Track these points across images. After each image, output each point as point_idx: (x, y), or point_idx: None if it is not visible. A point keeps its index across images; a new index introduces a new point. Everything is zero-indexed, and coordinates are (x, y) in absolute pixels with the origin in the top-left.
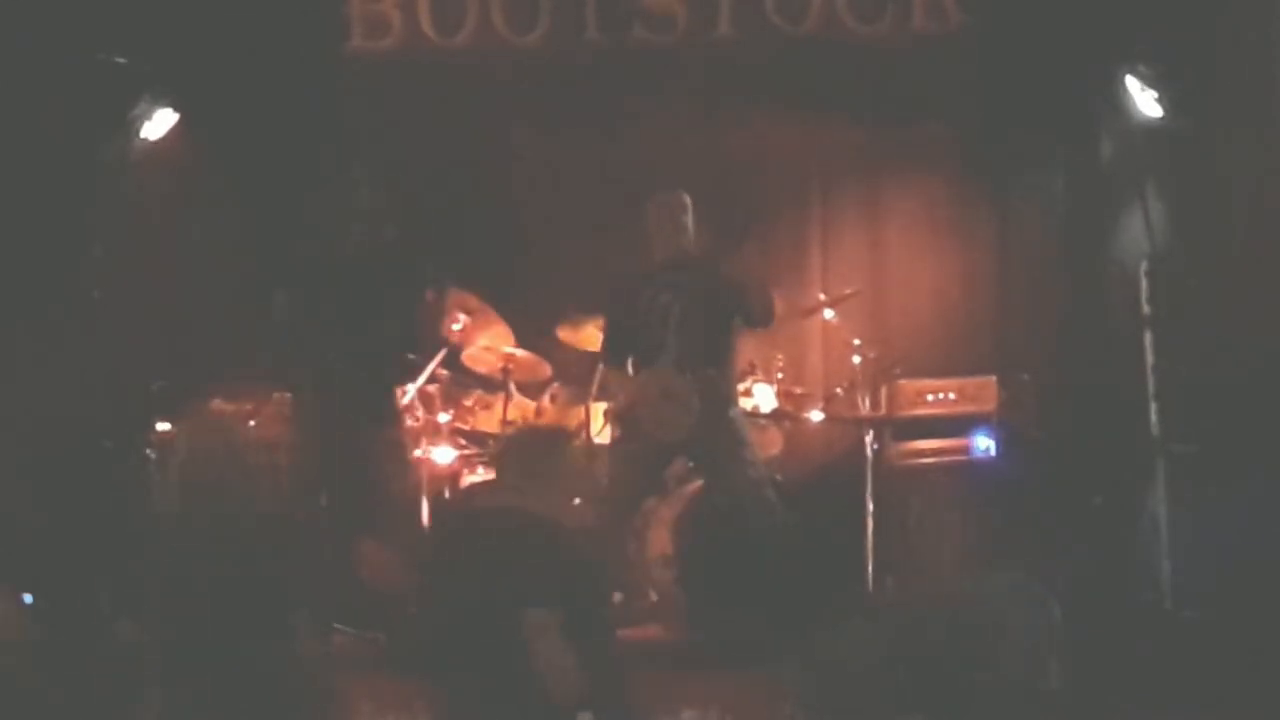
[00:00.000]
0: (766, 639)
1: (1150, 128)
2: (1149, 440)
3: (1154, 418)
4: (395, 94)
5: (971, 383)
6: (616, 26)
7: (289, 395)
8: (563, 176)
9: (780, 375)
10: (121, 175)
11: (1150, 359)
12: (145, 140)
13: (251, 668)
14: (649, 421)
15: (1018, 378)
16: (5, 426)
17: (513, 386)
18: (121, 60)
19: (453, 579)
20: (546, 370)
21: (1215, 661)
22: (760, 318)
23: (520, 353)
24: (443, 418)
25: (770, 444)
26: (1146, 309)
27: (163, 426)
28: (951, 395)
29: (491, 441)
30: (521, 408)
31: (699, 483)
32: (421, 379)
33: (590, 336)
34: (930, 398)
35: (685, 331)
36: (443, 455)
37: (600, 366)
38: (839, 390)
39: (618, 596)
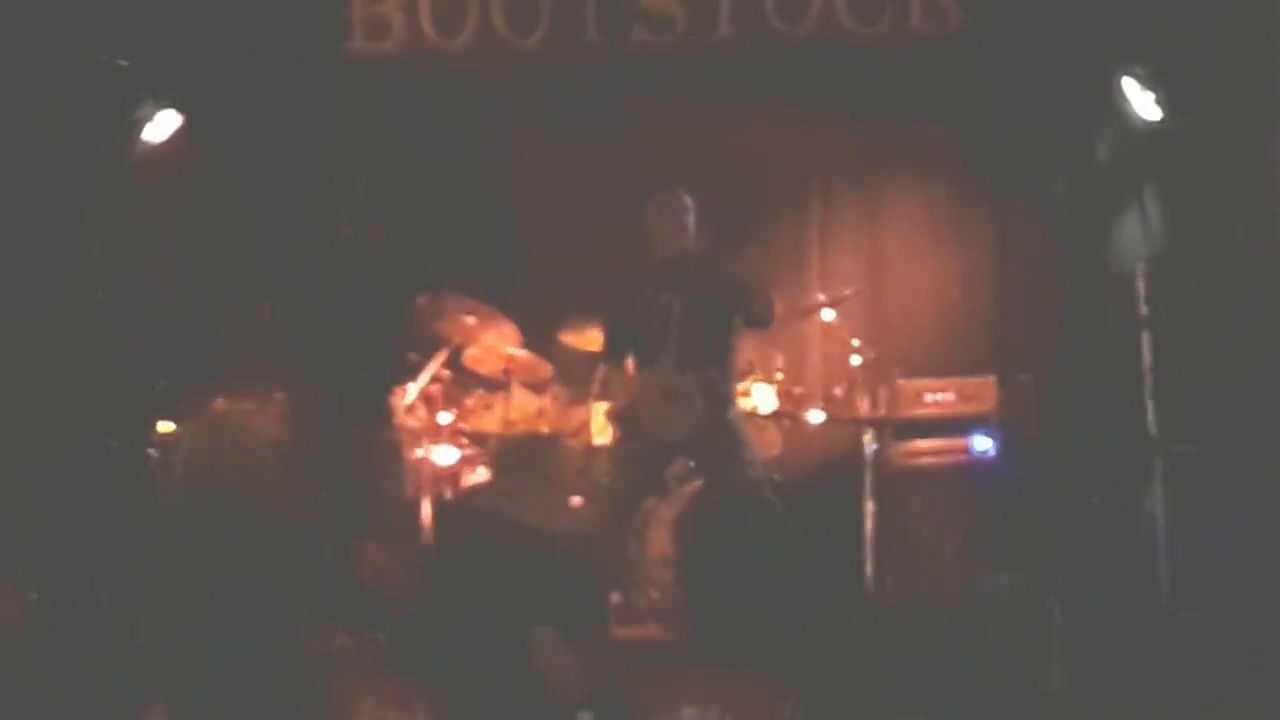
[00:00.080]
0: (766, 639)
1: (1150, 128)
2: (1148, 440)
3: (1153, 418)
4: (396, 95)
5: (971, 383)
6: (617, 28)
7: (289, 395)
8: (563, 177)
9: (780, 375)
10: (122, 175)
11: (1149, 359)
12: (146, 141)
13: (251, 668)
14: (649, 421)
15: (1017, 378)
16: (6, 426)
17: (515, 386)
18: (123, 61)
19: (451, 581)
20: (547, 370)
21: (1215, 661)
22: (761, 318)
23: (521, 353)
24: (444, 418)
25: (770, 444)
26: (1145, 309)
27: (165, 426)
28: (951, 395)
29: (493, 441)
30: (523, 408)
31: (699, 483)
32: (423, 379)
33: (590, 337)
34: (929, 398)
35: (685, 331)
36: (444, 455)
37: (600, 366)
38: (838, 390)
39: (617, 597)
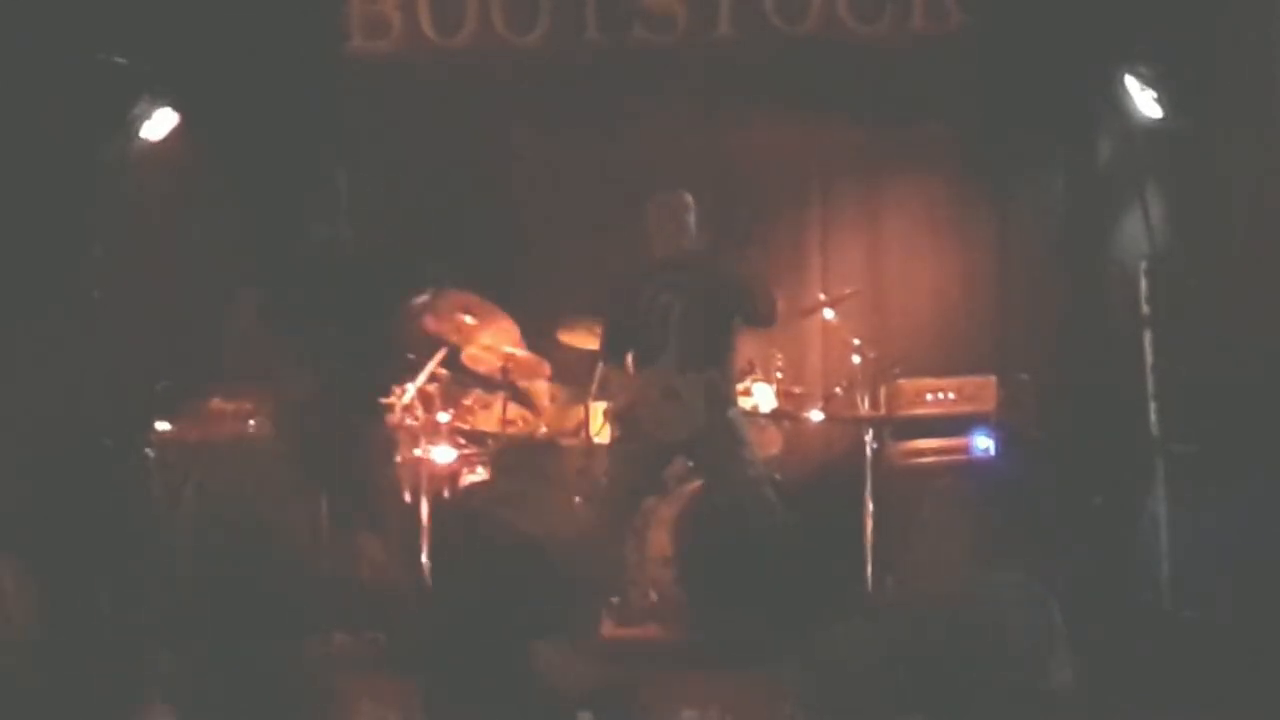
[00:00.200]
0: (766, 639)
1: (1150, 128)
2: (1149, 440)
3: (1154, 418)
4: (395, 94)
5: (971, 382)
6: (616, 26)
7: (287, 395)
8: (563, 176)
9: (780, 375)
10: (121, 175)
11: (1150, 359)
12: (145, 140)
13: (251, 667)
14: (649, 421)
15: (1017, 377)
16: (6, 426)
17: (518, 385)
18: (121, 60)
19: (450, 581)
20: (546, 370)
21: (1215, 661)
22: (763, 317)
23: (520, 352)
24: (442, 417)
25: (770, 444)
26: (1146, 309)
27: (163, 426)
28: (951, 395)
29: (491, 441)
30: (521, 408)
31: (699, 482)
32: (421, 378)
33: (590, 337)
34: (930, 397)
35: (686, 331)
36: (442, 454)
37: (600, 366)
38: (838, 390)
39: (617, 597)
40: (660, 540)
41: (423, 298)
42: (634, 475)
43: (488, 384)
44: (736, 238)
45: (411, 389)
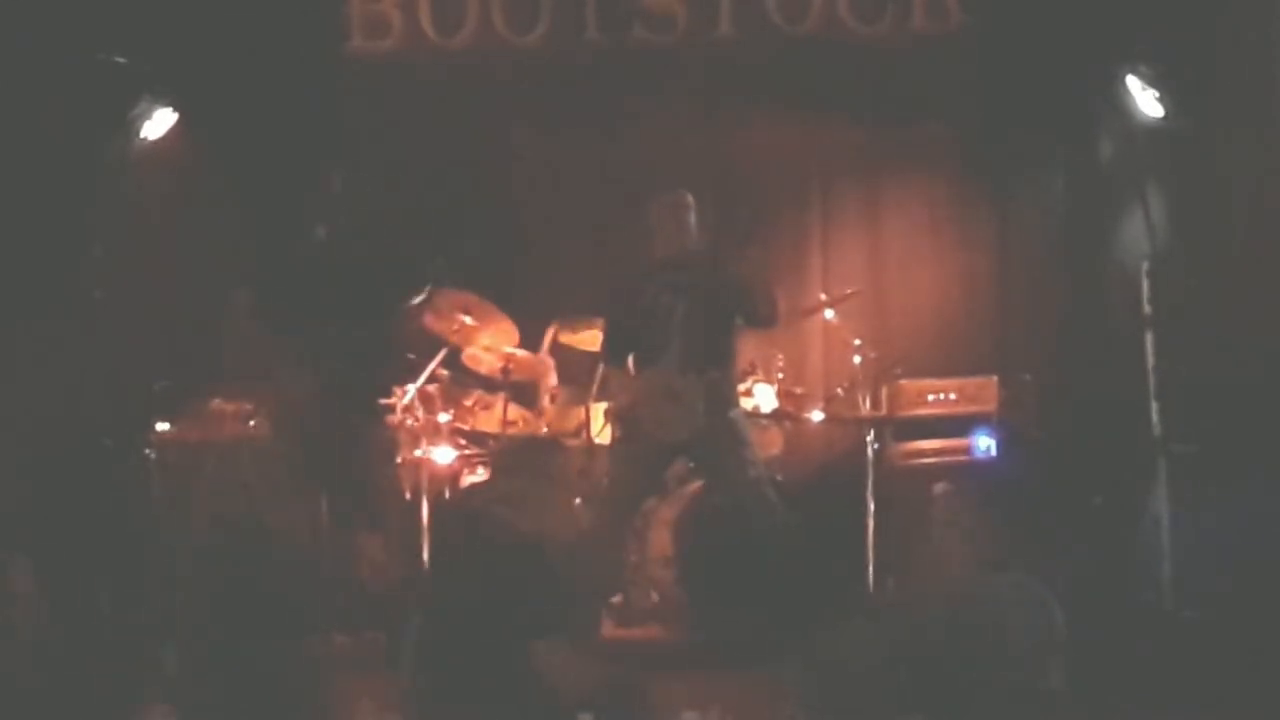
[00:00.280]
0: (767, 639)
1: (1150, 128)
2: (1149, 440)
3: (1154, 418)
4: (395, 94)
5: (972, 383)
6: (616, 26)
7: (289, 395)
8: (563, 176)
9: (781, 375)
10: (121, 175)
11: (1151, 359)
12: (145, 140)
13: (252, 667)
14: (650, 422)
15: (1018, 378)
16: (6, 426)
17: (531, 385)
18: (121, 60)
19: (450, 582)
20: (551, 367)
21: (1215, 661)
22: (765, 317)
23: (521, 353)
24: (443, 418)
25: (771, 444)
26: (1147, 309)
27: (163, 426)
28: (952, 395)
29: (491, 441)
30: (522, 409)
31: (699, 483)
32: (421, 379)
33: (590, 337)
34: (931, 398)
35: (687, 332)
36: (442, 455)
37: (601, 366)
38: (839, 390)
39: (618, 598)
40: (661, 541)
41: (421, 297)
42: (635, 476)
43: (488, 384)
44: (737, 238)
45: (412, 389)
